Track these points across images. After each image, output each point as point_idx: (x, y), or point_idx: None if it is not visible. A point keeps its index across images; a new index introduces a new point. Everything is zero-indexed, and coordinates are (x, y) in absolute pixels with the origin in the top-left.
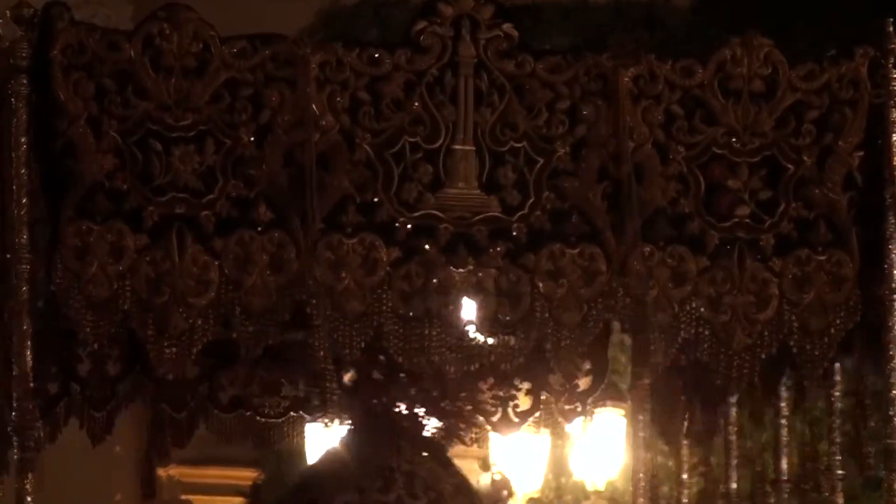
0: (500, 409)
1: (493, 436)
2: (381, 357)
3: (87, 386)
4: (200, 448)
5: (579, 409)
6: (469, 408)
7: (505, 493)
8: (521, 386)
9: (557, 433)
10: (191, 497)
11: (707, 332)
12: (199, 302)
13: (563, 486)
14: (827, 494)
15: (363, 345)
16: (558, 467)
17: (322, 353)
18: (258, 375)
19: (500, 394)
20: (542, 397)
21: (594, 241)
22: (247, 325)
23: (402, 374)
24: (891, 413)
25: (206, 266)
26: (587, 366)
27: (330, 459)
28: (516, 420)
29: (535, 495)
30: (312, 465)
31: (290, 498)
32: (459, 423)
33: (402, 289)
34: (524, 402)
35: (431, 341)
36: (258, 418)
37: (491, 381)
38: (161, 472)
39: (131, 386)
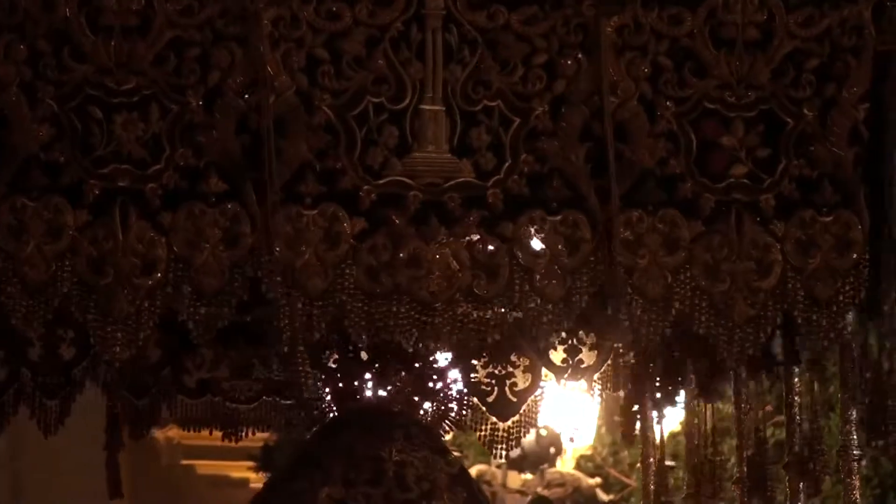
0: (496, 389)
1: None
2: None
3: (38, 371)
4: None
5: (585, 388)
6: (461, 388)
7: (553, 450)
8: (518, 363)
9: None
10: (193, 462)
11: (705, 304)
12: (146, 282)
13: (621, 442)
14: (842, 476)
15: (324, 325)
16: (613, 419)
17: (290, 335)
18: (227, 357)
19: (496, 372)
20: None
21: (577, 207)
22: (198, 306)
23: (388, 355)
24: None
25: (152, 243)
26: (591, 339)
27: (316, 446)
28: (514, 400)
29: (587, 452)
30: (298, 452)
31: (275, 489)
32: (450, 406)
33: (368, 263)
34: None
35: (399, 319)
36: (228, 403)
37: (485, 358)
38: (159, 433)
39: (87, 371)
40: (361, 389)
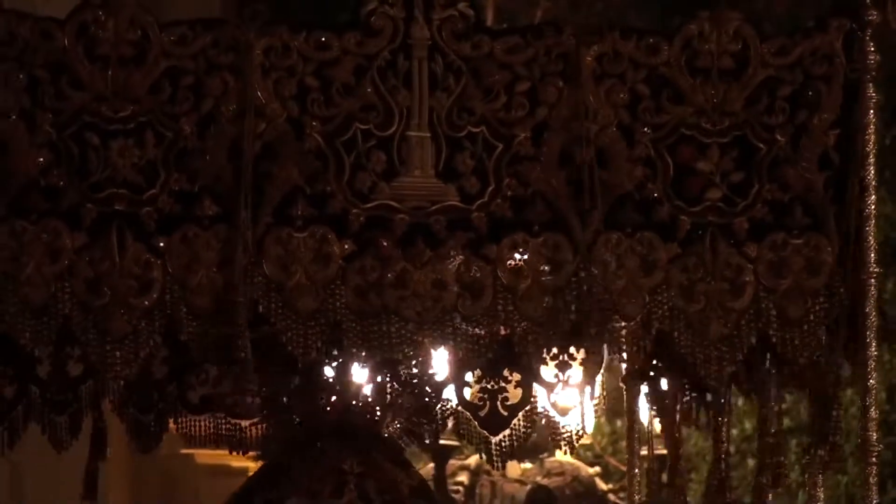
0: (487, 403)
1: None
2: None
3: (47, 388)
4: None
5: (574, 404)
6: (453, 403)
7: (551, 440)
8: (510, 378)
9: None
10: (192, 451)
11: (682, 323)
12: (142, 303)
13: (620, 431)
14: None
15: (319, 344)
16: (615, 408)
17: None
18: (230, 373)
19: (488, 386)
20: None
21: (558, 229)
22: (194, 325)
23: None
24: (867, 403)
25: (148, 265)
26: (581, 355)
27: (286, 457)
28: (506, 414)
29: (586, 441)
30: (265, 465)
31: (245, 497)
32: (442, 420)
33: (356, 283)
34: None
35: (391, 338)
36: (230, 418)
37: (478, 373)
38: None
39: (95, 387)
40: (328, 402)
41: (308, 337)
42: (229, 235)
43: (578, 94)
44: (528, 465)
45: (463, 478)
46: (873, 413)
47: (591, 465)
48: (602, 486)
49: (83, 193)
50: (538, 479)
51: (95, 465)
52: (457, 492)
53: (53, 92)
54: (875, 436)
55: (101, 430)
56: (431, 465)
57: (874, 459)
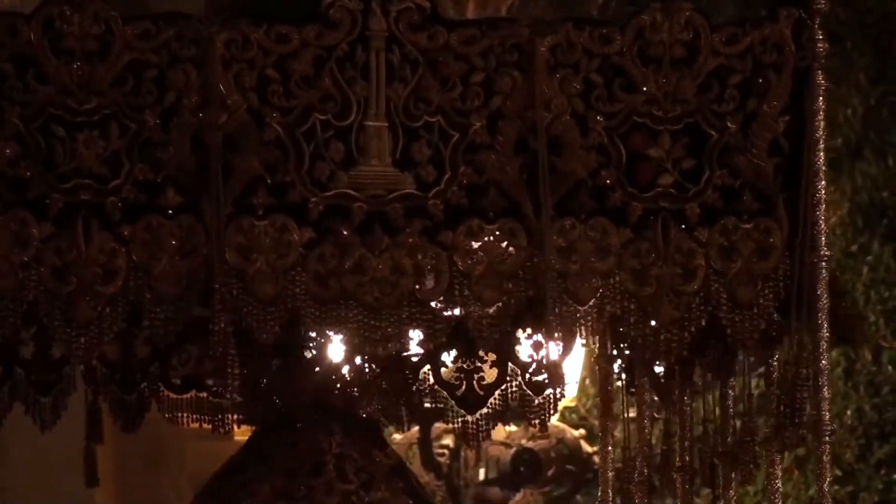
0: (464, 383)
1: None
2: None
3: (31, 370)
4: None
5: (548, 381)
6: (431, 382)
7: (525, 415)
8: (486, 358)
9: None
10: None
11: (633, 306)
12: (107, 290)
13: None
14: (766, 467)
15: (277, 329)
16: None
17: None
18: (210, 354)
19: (464, 366)
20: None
21: (513, 216)
22: (157, 311)
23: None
24: (819, 384)
25: (113, 253)
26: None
27: (264, 440)
28: (482, 393)
29: (571, 404)
30: (242, 446)
31: (218, 481)
32: (422, 399)
33: (316, 270)
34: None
35: (349, 323)
36: (211, 399)
37: (454, 353)
38: None
39: (78, 369)
40: (308, 385)
41: (267, 322)
42: (192, 224)
43: (532, 85)
44: (513, 427)
45: (448, 441)
46: (826, 393)
47: (577, 427)
48: (587, 448)
49: (50, 184)
50: (523, 441)
51: (94, 449)
52: (442, 455)
53: (20, 85)
54: (828, 415)
55: (97, 413)
56: (416, 428)
57: (827, 438)
